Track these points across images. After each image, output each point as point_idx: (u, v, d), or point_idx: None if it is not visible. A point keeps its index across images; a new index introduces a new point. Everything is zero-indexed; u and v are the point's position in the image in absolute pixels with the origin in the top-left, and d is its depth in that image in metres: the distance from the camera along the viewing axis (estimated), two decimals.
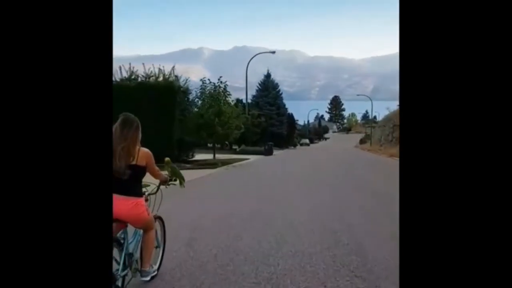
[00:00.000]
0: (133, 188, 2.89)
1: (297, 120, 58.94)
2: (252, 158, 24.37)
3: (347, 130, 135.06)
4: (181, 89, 18.83)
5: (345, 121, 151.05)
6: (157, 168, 3.09)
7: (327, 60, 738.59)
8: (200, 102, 19.67)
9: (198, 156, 19.81)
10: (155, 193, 3.28)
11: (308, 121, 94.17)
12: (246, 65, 31.00)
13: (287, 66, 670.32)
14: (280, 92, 48.72)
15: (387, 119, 53.26)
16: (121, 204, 2.77)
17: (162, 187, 3.36)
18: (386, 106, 69.35)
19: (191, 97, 20.45)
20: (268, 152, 28.80)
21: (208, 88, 19.38)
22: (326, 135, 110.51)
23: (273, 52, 31.27)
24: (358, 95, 56.59)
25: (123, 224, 2.90)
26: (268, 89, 46.64)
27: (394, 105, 63.39)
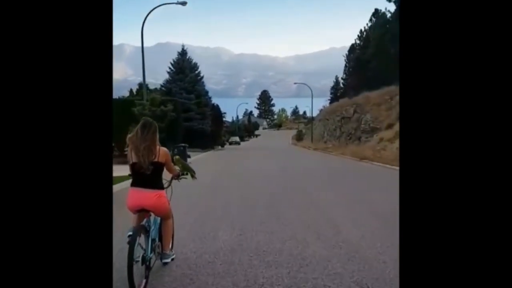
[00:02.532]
0: (156, 182, 3.24)
1: (225, 113, 47.31)
2: None
3: (278, 126, 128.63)
4: None
5: (275, 117, 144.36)
6: (173, 165, 3.55)
7: (252, 58, 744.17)
8: None
9: None
10: (167, 187, 3.51)
11: (237, 117, 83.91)
12: (144, 18, 19.45)
13: (213, 63, 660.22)
14: (201, 76, 36.72)
15: (330, 111, 45.21)
16: (147, 196, 3.17)
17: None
18: (327, 98, 63.27)
19: None
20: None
21: None
22: (256, 132, 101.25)
23: (183, 4, 20.13)
24: (295, 83, 47.54)
25: (148, 213, 3.30)
26: (184, 71, 34.44)
27: (323, 101, 59.16)
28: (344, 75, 58.34)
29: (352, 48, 53.45)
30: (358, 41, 51.32)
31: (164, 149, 3.27)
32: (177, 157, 3.85)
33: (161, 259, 3.43)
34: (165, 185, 3.41)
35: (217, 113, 38.94)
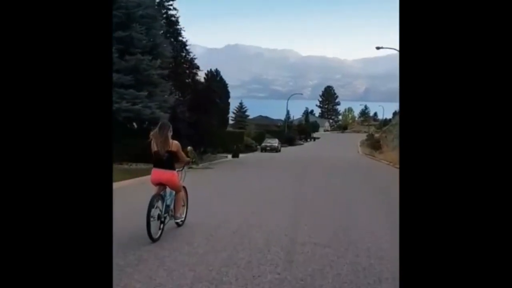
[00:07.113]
0: (170, 164, 4.85)
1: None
2: None
3: (343, 128, 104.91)
4: None
5: (340, 117, 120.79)
6: (183, 154, 5.11)
7: (319, 60, 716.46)
8: None
9: None
10: (181, 170, 5.25)
11: (287, 113, 63.52)
12: None
13: (280, 65, 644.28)
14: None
15: None
16: (163, 174, 4.81)
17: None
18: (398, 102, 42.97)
19: None
20: None
21: None
22: (315, 134, 79.38)
23: None
24: (378, 47, 25.32)
25: (164, 186, 4.91)
26: None
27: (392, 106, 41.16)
28: None
29: None
30: None
31: (175, 142, 4.85)
32: (190, 147, 5.82)
33: (174, 220, 5.12)
34: (179, 169, 5.14)
35: (207, 88, 18.75)
